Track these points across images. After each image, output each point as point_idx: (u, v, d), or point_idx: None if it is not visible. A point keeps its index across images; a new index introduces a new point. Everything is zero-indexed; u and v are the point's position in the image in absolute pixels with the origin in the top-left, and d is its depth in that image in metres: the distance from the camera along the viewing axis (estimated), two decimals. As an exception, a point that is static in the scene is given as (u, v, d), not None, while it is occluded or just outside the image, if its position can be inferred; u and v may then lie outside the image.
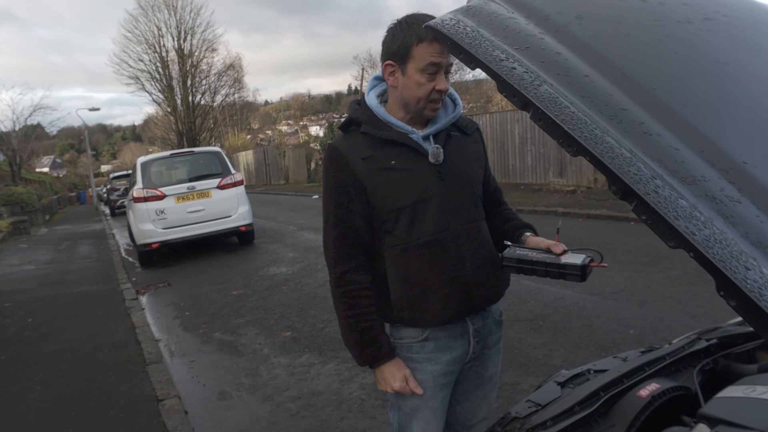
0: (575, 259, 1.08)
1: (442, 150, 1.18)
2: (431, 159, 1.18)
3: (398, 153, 1.18)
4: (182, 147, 23.75)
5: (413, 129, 1.20)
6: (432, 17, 1.04)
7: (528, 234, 1.26)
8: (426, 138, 1.21)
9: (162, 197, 7.05)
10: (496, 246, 1.29)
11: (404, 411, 1.26)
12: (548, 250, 1.13)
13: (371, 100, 1.24)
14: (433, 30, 0.84)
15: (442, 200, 1.18)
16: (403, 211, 1.17)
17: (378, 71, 1.27)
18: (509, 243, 1.20)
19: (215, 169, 7.57)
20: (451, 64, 1.15)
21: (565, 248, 1.11)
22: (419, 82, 1.14)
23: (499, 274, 1.24)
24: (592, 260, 1.08)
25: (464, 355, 1.25)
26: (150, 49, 26.24)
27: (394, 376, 1.19)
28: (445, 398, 1.27)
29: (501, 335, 1.34)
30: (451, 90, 1.24)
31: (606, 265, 1.09)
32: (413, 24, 1.12)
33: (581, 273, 1.06)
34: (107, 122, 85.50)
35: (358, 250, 1.21)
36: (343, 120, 1.28)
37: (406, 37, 1.12)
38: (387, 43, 1.17)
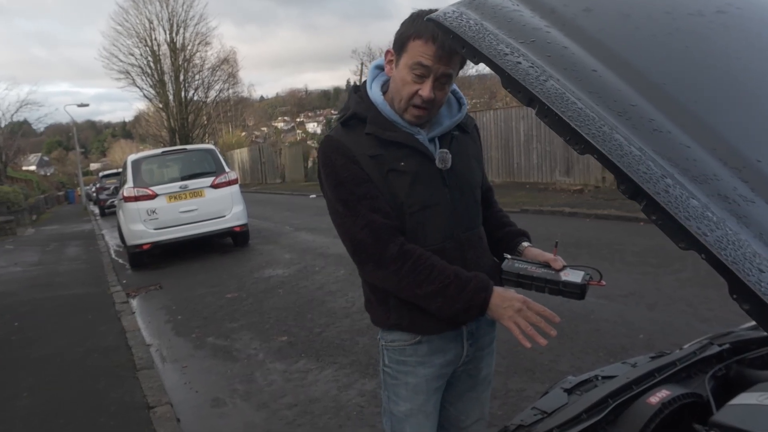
0: (575, 276, 1.07)
1: (450, 155, 1.14)
2: (439, 164, 1.14)
3: (405, 155, 1.13)
4: (174, 144, 23.55)
5: (419, 129, 1.15)
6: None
7: (525, 244, 1.23)
8: (431, 140, 1.17)
9: (153, 196, 6.96)
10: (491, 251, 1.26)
11: (397, 416, 1.24)
12: (547, 265, 1.10)
13: (375, 95, 1.17)
14: (435, 24, 0.80)
15: (447, 207, 1.15)
16: (410, 216, 1.14)
17: (380, 59, 1.23)
18: (508, 255, 1.17)
19: (209, 168, 7.47)
20: (448, 75, 1.09)
21: (564, 264, 1.10)
22: (405, 79, 1.09)
23: (497, 281, 1.22)
24: (591, 278, 1.08)
25: (458, 358, 1.23)
26: (141, 42, 25.78)
27: (508, 296, 1.06)
28: (438, 401, 1.26)
29: (494, 335, 1.31)
30: (456, 89, 1.20)
31: (604, 283, 1.08)
32: (418, 18, 1.08)
33: (580, 292, 1.06)
34: (96, 119, 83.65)
35: (399, 231, 1.11)
36: (341, 110, 1.21)
37: (407, 29, 1.09)
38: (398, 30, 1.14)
